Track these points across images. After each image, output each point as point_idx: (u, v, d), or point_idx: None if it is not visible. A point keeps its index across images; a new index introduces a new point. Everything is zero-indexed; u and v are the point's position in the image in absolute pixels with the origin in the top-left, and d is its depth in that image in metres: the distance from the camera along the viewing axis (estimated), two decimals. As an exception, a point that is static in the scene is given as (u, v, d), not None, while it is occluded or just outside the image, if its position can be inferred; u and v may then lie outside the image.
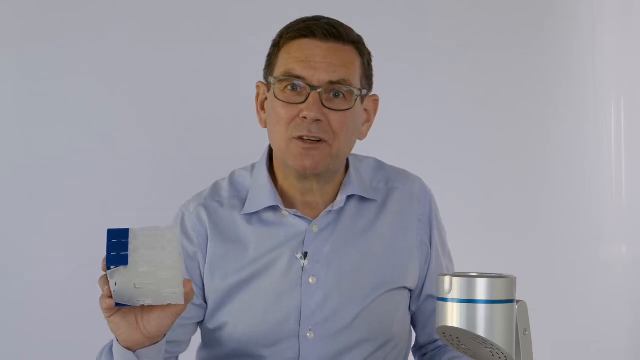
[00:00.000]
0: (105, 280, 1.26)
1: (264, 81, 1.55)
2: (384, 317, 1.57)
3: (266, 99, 1.54)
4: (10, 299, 2.32)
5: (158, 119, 2.51)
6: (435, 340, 1.67)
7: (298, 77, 1.47)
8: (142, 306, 1.29)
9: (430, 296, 1.62)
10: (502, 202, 2.58)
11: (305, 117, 1.46)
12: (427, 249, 1.61)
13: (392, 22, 2.50)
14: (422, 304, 1.63)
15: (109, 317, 1.31)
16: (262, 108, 1.55)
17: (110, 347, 1.42)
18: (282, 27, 1.57)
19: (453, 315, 1.24)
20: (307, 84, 1.46)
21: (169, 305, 1.29)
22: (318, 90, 1.46)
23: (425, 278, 1.62)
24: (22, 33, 2.43)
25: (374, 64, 1.58)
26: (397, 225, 1.60)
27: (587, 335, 2.61)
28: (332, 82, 1.47)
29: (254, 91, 1.60)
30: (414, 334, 1.72)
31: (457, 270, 1.65)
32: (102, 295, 1.28)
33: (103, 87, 2.47)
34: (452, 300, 1.25)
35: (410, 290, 1.61)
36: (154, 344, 1.36)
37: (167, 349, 1.45)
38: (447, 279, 1.24)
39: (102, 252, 1.43)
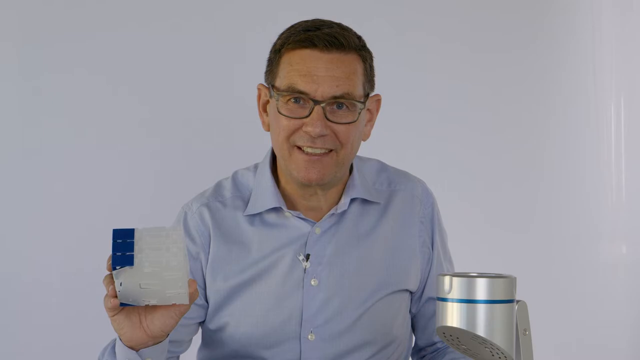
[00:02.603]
0: (110, 279, 1.26)
1: (265, 84, 1.54)
2: (385, 319, 1.57)
3: (268, 101, 1.53)
4: (9, 300, 2.32)
5: (159, 119, 2.51)
6: (435, 343, 1.67)
7: (301, 92, 1.45)
8: (146, 306, 1.29)
9: (430, 299, 1.62)
10: (503, 202, 2.60)
11: (308, 131, 1.45)
12: (428, 251, 1.61)
13: (393, 23, 2.52)
14: (422, 307, 1.63)
15: (113, 316, 1.31)
16: (265, 110, 1.54)
17: (113, 347, 1.42)
18: (285, 26, 1.55)
19: (453, 315, 1.25)
20: (310, 98, 1.45)
21: (173, 305, 1.30)
22: (322, 105, 1.45)
23: (426, 280, 1.62)
24: (23, 32, 2.44)
25: (375, 64, 1.58)
26: (399, 227, 1.60)
27: (587, 335, 2.62)
28: (336, 97, 1.46)
29: (255, 92, 1.59)
30: (413, 337, 1.72)
31: (457, 270, 1.66)
32: (107, 294, 1.28)
33: (105, 89, 2.47)
34: (452, 300, 1.25)
35: (411, 293, 1.62)
36: (157, 343, 1.35)
37: (168, 349, 1.45)
38: (447, 279, 1.25)
39: (103, 253, 1.43)
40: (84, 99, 2.47)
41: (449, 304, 1.25)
